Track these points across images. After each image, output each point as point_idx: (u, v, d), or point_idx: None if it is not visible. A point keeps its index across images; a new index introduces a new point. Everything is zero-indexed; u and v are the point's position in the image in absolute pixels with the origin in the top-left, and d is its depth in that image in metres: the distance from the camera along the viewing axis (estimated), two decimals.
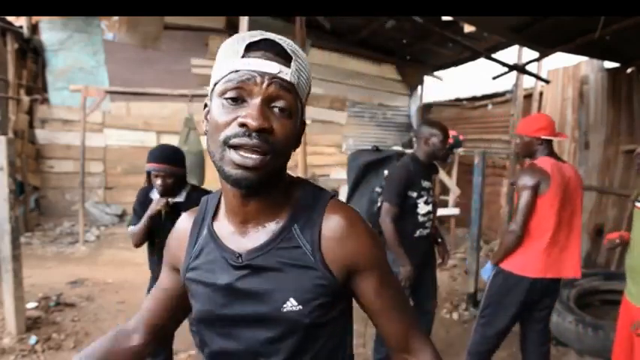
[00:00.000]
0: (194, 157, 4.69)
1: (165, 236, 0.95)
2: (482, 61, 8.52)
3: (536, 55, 4.96)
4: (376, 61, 8.85)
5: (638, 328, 2.01)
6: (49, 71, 6.77)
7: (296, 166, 4.38)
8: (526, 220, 2.25)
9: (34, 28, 6.54)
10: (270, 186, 0.76)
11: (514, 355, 2.96)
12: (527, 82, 6.08)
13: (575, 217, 2.32)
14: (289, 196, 0.81)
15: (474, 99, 7.70)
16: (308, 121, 0.93)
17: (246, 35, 0.73)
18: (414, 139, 2.91)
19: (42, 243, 5.75)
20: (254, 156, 0.68)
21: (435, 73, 9.29)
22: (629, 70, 4.75)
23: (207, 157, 4.92)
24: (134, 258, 4.82)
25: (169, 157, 2.14)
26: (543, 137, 2.32)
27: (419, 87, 9.41)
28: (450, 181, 6.42)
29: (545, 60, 5.29)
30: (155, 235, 2.18)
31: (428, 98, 9.50)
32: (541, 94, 5.98)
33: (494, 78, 5.35)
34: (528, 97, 6.11)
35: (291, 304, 0.75)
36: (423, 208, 2.54)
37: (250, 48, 0.71)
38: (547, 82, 5.63)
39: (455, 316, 3.85)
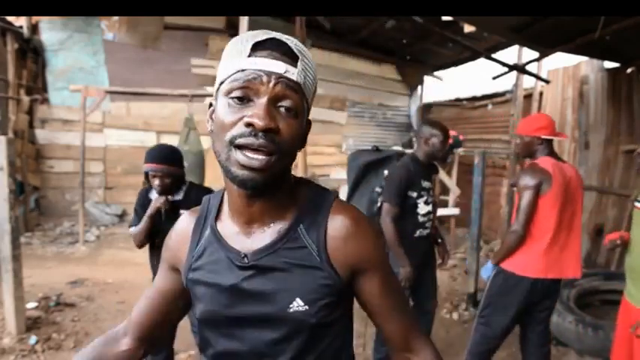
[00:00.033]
0: (194, 157, 4.69)
1: (166, 235, 0.94)
2: (482, 61, 8.51)
3: (536, 55, 4.96)
4: (376, 61, 8.85)
5: (638, 329, 2.00)
6: (49, 71, 6.77)
7: (296, 166, 4.38)
8: (528, 220, 2.24)
9: (34, 28, 6.54)
10: (275, 187, 0.75)
11: (514, 355, 2.96)
12: (527, 82, 6.08)
13: (575, 217, 2.32)
14: (294, 197, 0.81)
15: (474, 99, 7.71)
16: None
17: (252, 34, 0.72)
18: (414, 139, 2.91)
19: (42, 243, 5.75)
20: (260, 157, 0.68)
21: (435, 73, 9.29)
22: (629, 70, 4.75)
23: (207, 157, 4.94)
24: (134, 258, 4.82)
25: (167, 157, 2.14)
26: (543, 137, 2.32)
27: (419, 87, 9.41)
28: (450, 181, 6.42)
29: (545, 60, 5.29)
30: (155, 235, 2.18)
31: (428, 98, 9.51)
32: (541, 94, 5.98)
33: (494, 78, 5.35)
34: (528, 97, 6.11)
35: (298, 305, 0.75)
36: (423, 208, 2.54)
37: (257, 47, 0.70)
38: (547, 82, 5.63)
39: (455, 316, 3.84)
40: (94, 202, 7.02)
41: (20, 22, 6.31)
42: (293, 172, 0.84)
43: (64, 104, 6.76)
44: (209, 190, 2.34)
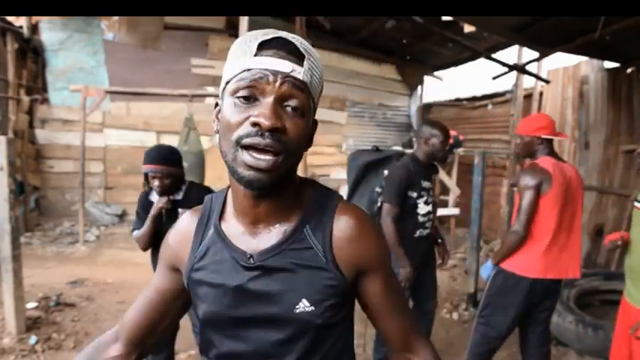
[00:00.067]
0: (194, 157, 4.69)
1: None
2: (482, 61, 8.51)
3: (536, 55, 4.97)
4: (376, 61, 8.85)
5: (638, 330, 2.00)
6: (49, 71, 6.77)
7: None
8: (529, 221, 2.24)
9: (34, 28, 6.54)
10: (282, 187, 0.75)
11: (514, 355, 2.96)
12: (527, 82, 6.08)
13: (575, 217, 2.32)
14: (300, 197, 0.80)
15: (474, 99, 7.71)
16: None
17: (258, 33, 0.72)
18: (414, 139, 2.90)
19: (42, 243, 5.75)
20: (267, 157, 0.68)
21: (435, 73, 9.30)
22: (629, 70, 4.75)
23: (207, 157, 4.95)
24: (134, 258, 4.83)
25: (166, 158, 2.14)
26: (543, 137, 2.32)
27: (419, 87, 9.41)
28: (450, 181, 6.42)
29: (545, 60, 5.30)
30: (157, 236, 2.17)
31: (428, 98, 9.51)
32: (541, 94, 5.98)
33: (494, 78, 5.35)
34: (528, 97, 6.12)
35: (304, 305, 0.75)
36: (423, 209, 2.54)
37: (263, 46, 0.70)
38: (547, 82, 5.64)
39: (455, 316, 3.85)
40: (94, 202, 7.02)
41: (20, 22, 6.31)
42: None
43: (64, 104, 6.76)
44: (209, 190, 2.34)
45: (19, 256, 3.10)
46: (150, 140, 6.92)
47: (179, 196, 2.21)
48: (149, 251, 2.26)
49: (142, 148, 3.58)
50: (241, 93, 0.69)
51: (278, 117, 0.68)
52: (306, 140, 0.75)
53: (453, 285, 4.65)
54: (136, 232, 2.21)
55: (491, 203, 6.47)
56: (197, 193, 2.21)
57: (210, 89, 6.90)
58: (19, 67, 6.31)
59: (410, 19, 4.78)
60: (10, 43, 6.01)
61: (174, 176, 2.15)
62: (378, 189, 2.77)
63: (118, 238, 6.23)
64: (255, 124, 0.67)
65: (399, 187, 2.47)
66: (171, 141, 4.44)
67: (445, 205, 6.22)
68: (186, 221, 0.87)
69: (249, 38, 0.72)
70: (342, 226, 0.78)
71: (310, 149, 0.80)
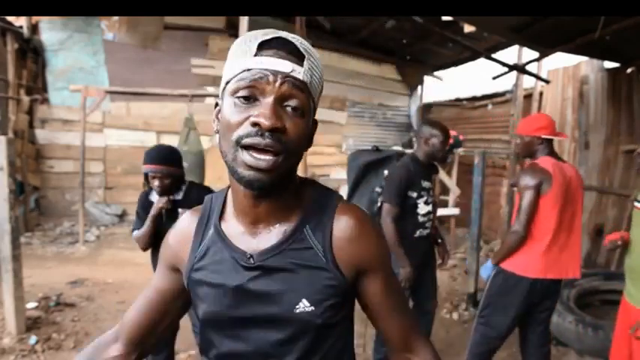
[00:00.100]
0: (194, 157, 4.69)
1: None
2: (482, 61, 8.51)
3: (536, 55, 4.97)
4: (376, 61, 8.86)
5: (638, 330, 2.00)
6: (49, 71, 6.77)
7: None
8: (530, 221, 2.24)
9: (34, 28, 6.54)
10: (282, 187, 0.75)
11: (514, 355, 2.96)
12: (527, 82, 6.08)
13: (575, 217, 2.32)
14: (300, 197, 0.80)
15: (474, 99, 7.71)
16: None
17: (258, 33, 0.72)
18: (414, 139, 2.90)
19: (42, 243, 5.75)
20: (267, 157, 0.68)
21: (435, 73, 9.30)
22: (629, 70, 4.75)
23: (207, 157, 4.95)
24: (134, 258, 4.83)
25: (166, 158, 2.14)
26: (543, 137, 2.32)
27: (419, 87, 9.41)
28: (450, 181, 6.42)
29: (545, 60, 5.30)
30: (157, 236, 2.17)
31: (428, 98, 9.51)
32: (541, 94, 5.98)
33: (494, 78, 5.35)
34: (528, 97, 6.12)
35: (304, 305, 0.75)
36: (423, 209, 2.54)
37: (263, 46, 0.70)
38: (547, 82, 5.64)
39: (455, 316, 3.85)
40: (94, 202, 7.02)
41: (20, 22, 6.31)
42: None
43: (64, 104, 6.76)
44: (209, 190, 2.34)
45: (19, 256, 3.10)
46: (150, 140, 6.93)
47: (179, 196, 2.21)
48: (149, 251, 2.26)
49: (142, 148, 3.58)
50: (241, 93, 0.69)
51: (278, 117, 0.68)
52: (306, 140, 0.75)
53: (453, 285, 4.65)
54: (136, 232, 2.21)
55: (491, 203, 6.47)
56: (197, 193, 2.21)
57: (210, 89, 6.90)
58: (19, 67, 6.31)
59: (410, 19, 4.78)
60: (10, 43, 6.01)
61: (174, 176, 2.15)
62: (378, 189, 2.77)
63: (118, 238, 6.23)
64: (255, 124, 0.67)
65: (399, 187, 2.47)
66: (171, 141, 4.44)
67: (445, 205, 6.22)
68: (186, 221, 0.87)
69: (249, 38, 0.72)
70: (342, 226, 0.78)
71: (310, 149, 0.80)
